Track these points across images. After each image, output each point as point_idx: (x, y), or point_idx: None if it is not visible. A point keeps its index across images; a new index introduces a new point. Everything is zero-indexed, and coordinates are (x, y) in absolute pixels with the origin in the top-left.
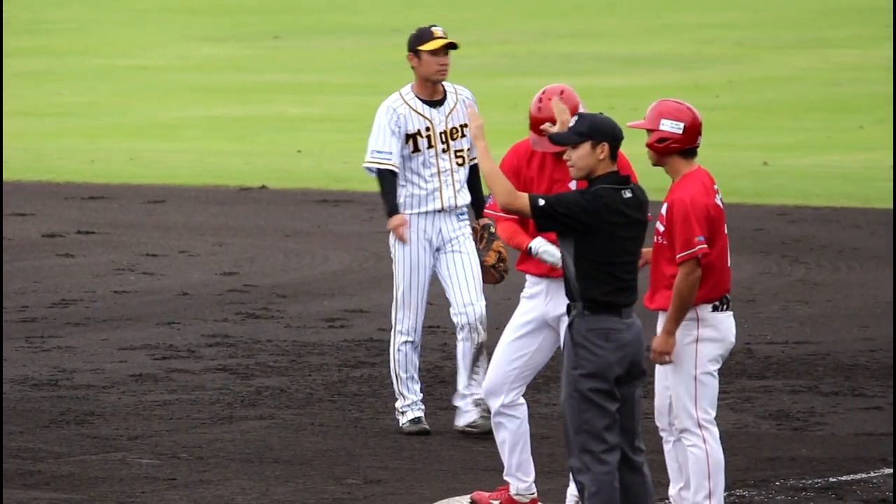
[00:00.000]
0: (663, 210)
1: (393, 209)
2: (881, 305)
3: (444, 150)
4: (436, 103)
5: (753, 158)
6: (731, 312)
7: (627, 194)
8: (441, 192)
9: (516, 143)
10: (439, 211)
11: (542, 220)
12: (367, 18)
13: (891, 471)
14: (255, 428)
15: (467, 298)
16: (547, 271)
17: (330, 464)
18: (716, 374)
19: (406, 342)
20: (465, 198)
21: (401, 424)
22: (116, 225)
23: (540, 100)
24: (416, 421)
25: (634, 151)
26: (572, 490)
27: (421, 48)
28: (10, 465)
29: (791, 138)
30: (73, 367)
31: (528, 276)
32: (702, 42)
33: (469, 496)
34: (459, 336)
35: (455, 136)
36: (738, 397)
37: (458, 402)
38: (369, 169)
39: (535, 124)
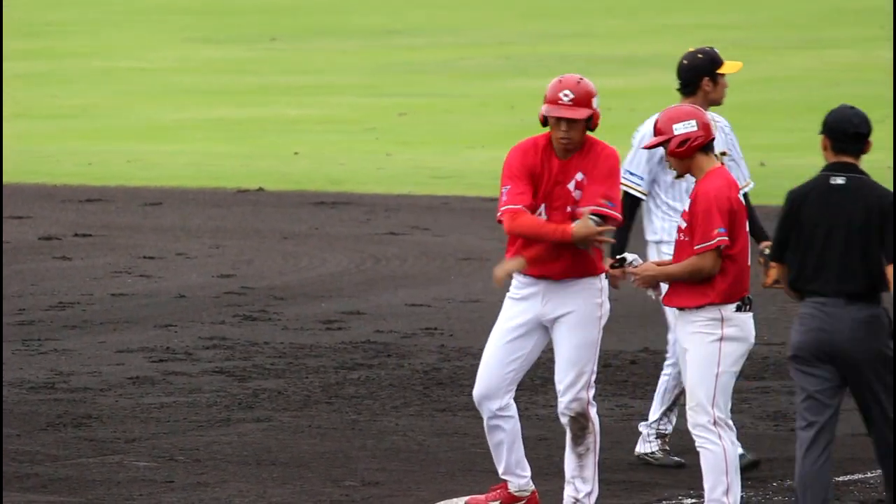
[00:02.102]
0: (686, 206)
1: (620, 248)
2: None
3: None
4: None
5: (752, 159)
6: (752, 314)
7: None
8: None
9: (518, 144)
10: None
11: None
12: (365, 20)
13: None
14: (253, 430)
15: None
16: (548, 274)
17: (327, 466)
18: (736, 374)
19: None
20: None
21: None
22: (113, 227)
23: (560, 81)
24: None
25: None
26: (569, 491)
27: (720, 71)
28: (7, 468)
29: (789, 139)
30: (70, 369)
31: (518, 277)
32: (700, 43)
33: (464, 500)
34: (668, 371)
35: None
36: (736, 398)
37: (642, 428)
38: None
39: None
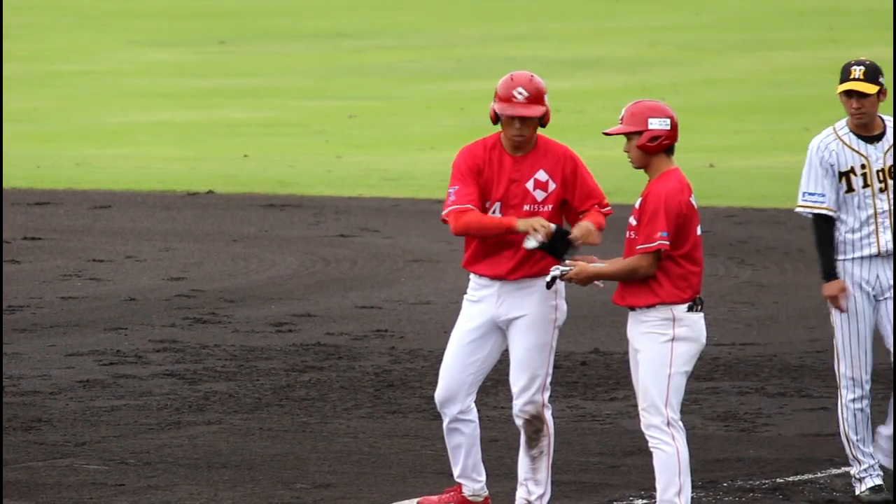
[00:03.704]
0: (637, 204)
1: (829, 271)
2: (827, 307)
3: (881, 190)
4: (873, 139)
5: (699, 160)
6: (703, 314)
7: None
8: (878, 235)
9: (466, 146)
10: (875, 256)
11: None
12: (312, 23)
13: (837, 471)
14: (204, 433)
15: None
16: (502, 274)
17: (278, 468)
18: (687, 374)
19: (853, 399)
20: None
21: (858, 493)
22: (62, 231)
23: (512, 78)
24: (876, 489)
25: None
26: (521, 493)
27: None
28: None
29: (736, 140)
30: (19, 373)
31: (474, 278)
32: (645, 45)
33: (417, 500)
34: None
35: (893, 174)
36: (686, 399)
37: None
38: (805, 214)
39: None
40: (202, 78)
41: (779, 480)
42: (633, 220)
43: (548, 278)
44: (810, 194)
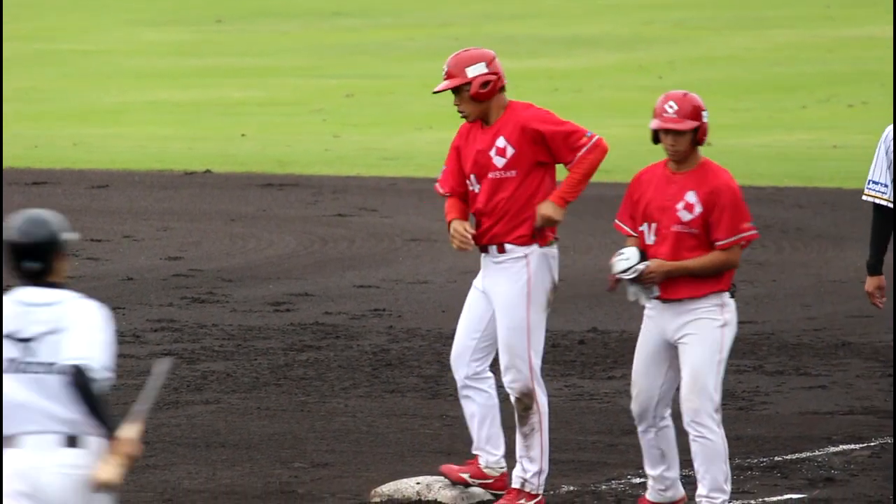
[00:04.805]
0: (692, 198)
1: (873, 264)
2: (825, 285)
3: None
4: None
5: None
6: None
7: None
8: None
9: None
10: None
11: None
12: (309, 2)
13: (835, 449)
14: (202, 412)
15: None
16: (478, 241)
17: (277, 447)
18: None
19: None
20: None
21: None
22: (60, 210)
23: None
24: None
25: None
26: (517, 471)
27: None
28: None
29: (733, 119)
30: None
31: None
32: (641, 23)
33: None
34: None
35: None
36: None
37: None
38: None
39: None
40: (199, 57)
41: (776, 459)
42: (685, 215)
43: (627, 275)
44: (874, 183)
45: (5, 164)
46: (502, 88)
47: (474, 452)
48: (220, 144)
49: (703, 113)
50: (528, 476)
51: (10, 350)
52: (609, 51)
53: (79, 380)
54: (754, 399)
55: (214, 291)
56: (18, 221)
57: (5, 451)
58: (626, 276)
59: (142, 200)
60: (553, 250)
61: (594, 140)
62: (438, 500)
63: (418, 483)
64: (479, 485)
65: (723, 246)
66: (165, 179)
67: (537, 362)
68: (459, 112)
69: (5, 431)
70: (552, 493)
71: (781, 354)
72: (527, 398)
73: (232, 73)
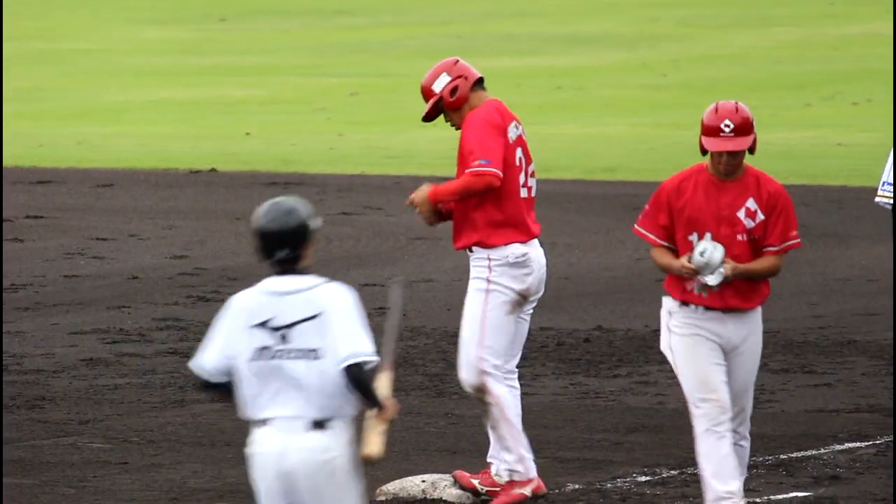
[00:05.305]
0: (752, 205)
1: None
2: (830, 283)
3: None
4: None
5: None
6: None
7: None
8: None
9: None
10: None
11: None
12: (310, 0)
13: (841, 447)
14: (207, 411)
15: None
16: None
17: None
18: None
19: None
20: None
21: None
22: (65, 209)
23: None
24: None
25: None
26: (502, 467)
27: None
28: None
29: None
30: (23, 351)
31: None
32: (645, 21)
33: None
34: None
35: None
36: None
37: None
38: (881, 204)
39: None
40: (201, 56)
41: (782, 457)
42: (748, 221)
43: (712, 283)
44: (888, 184)
45: (9, 163)
46: (479, 82)
47: (488, 461)
48: (224, 143)
49: (754, 122)
50: (511, 466)
51: (264, 338)
52: (611, 49)
53: (359, 376)
54: (760, 397)
55: (220, 290)
56: (267, 210)
57: (257, 432)
58: (712, 283)
59: (147, 199)
60: (521, 260)
61: (482, 170)
62: (444, 498)
63: (424, 481)
64: (488, 492)
65: (775, 252)
66: (170, 178)
67: (493, 360)
68: (451, 125)
69: (258, 416)
70: (557, 491)
71: (787, 352)
72: (478, 392)
73: (234, 72)
